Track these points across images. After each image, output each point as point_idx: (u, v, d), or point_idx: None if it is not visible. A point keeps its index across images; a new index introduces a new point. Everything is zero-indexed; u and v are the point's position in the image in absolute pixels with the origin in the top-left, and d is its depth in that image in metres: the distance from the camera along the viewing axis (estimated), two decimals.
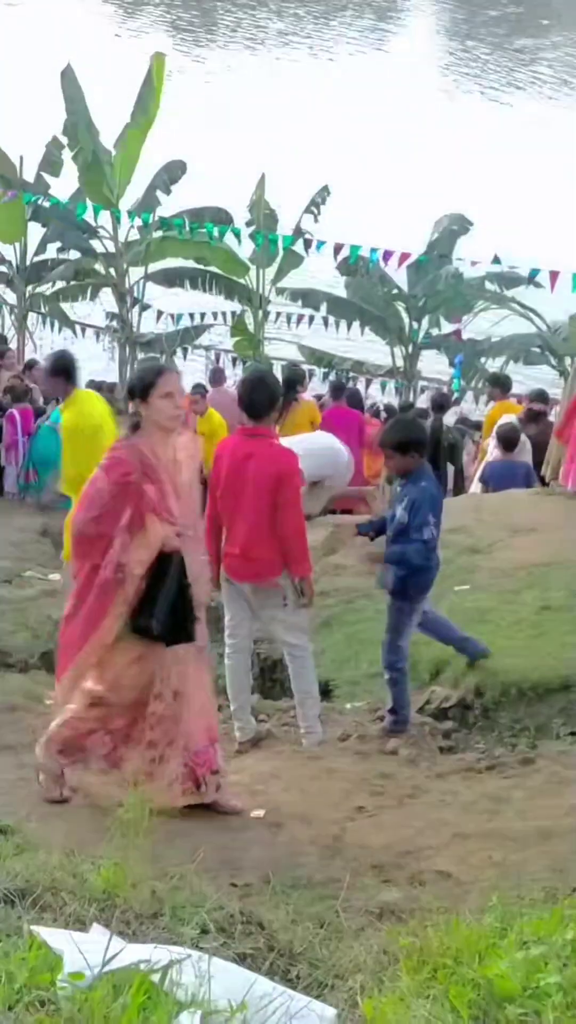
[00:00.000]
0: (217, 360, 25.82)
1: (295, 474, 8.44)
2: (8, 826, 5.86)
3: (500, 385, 16.51)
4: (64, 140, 25.75)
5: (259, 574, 8.32)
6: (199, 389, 17.62)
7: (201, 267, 25.40)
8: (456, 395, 22.26)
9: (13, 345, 24.58)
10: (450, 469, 15.46)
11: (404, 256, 23.03)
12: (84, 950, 3.32)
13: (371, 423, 17.30)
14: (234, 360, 25.87)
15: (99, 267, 26.70)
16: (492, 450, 14.24)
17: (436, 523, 8.33)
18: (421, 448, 8.61)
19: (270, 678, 10.05)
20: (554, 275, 21.22)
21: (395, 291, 25.24)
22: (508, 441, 13.89)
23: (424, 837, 6.56)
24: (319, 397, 18.91)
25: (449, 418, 17.78)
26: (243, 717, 8.57)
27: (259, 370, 9.84)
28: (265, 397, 8.41)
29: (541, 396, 15.92)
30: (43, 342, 27.38)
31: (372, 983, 3.90)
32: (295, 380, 16.20)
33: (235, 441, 8.60)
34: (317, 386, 23.38)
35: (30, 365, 19.98)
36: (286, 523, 8.24)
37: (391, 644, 8.51)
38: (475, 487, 14.39)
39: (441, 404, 16.21)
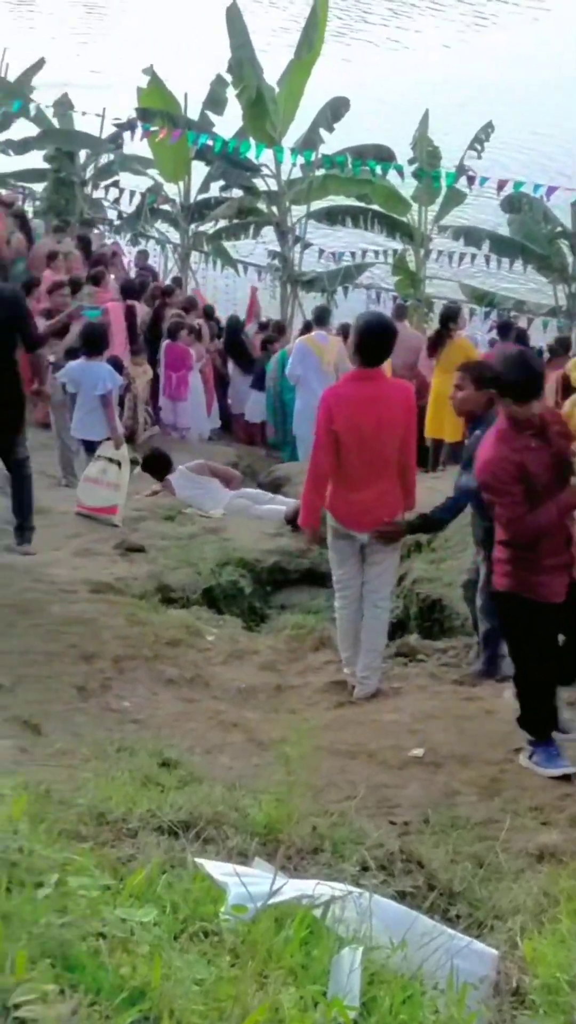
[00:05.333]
0: (378, 299, 25.67)
1: (415, 402, 8.43)
2: (172, 759, 5.96)
3: None
4: (228, 78, 25.71)
5: (389, 516, 8.25)
6: None
7: (363, 205, 25.19)
8: None
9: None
10: None
11: (569, 192, 22.67)
12: (247, 883, 3.36)
13: None
14: (394, 298, 25.66)
15: (261, 205, 26.65)
16: None
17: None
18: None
19: (429, 617, 10.03)
20: None
21: (559, 229, 24.77)
22: None
23: None
24: (492, 342, 18.68)
25: None
26: (355, 663, 8.54)
27: (375, 314, 9.74)
28: (383, 342, 8.32)
29: None
30: (205, 280, 27.50)
31: (532, 925, 3.90)
32: (450, 316, 16.06)
33: (349, 388, 8.41)
34: (478, 325, 23.11)
35: (191, 305, 20.11)
36: (412, 451, 8.25)
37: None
38: None
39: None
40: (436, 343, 15.63)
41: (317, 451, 8.37)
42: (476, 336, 19.22)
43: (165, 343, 17.94)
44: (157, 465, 13.77)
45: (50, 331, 14.53)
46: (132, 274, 23.38)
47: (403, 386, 8.49)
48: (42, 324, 14.80)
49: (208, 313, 21.16)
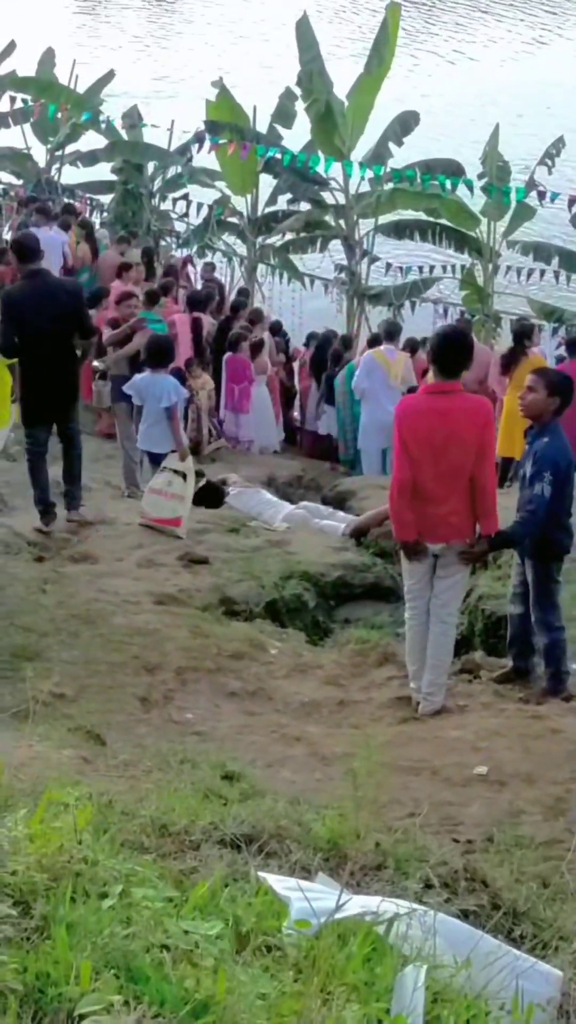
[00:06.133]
0: (445, 314, 25.59)
1: (494, 421, 8.42)
2: (234, 772, 5.96)
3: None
4: (297, 91, 25.74)
5: (460, 532, 8.21)
6: None
7: (431, 219, 25.12)
8: None
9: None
10: None
11: None
12: (310, 898, 3.35)
13: None
14: (461, 313, 25.59)
15: (329, 219, 26.62)
16: None
17: (554, 482, 8.21)
18: (566, 398, 8.48)
19: (494, 635, 9.97)
20: None
21: None
22: None
23: None
24: (559, 359, 18.60)
25: None
26: (420, 678, 8.49)
27: (455, 327, 9.83)
28: (461, 354, 8.31)
29: None
30: (271, 294, 27.52)
31: None
32: (525, 333, 15.91)
33: (422, 400, 8.46)
34: (546, 341, 22.98)
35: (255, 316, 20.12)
36: (487, 471, 8.19)
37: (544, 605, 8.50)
38: None
39: None
40: (510, 360, 15.42)
41: (395, 464, 8.39)
42: (544, 352, 19.09)
43: (227, 356, 17.99)
44: (210, 497, 13.79)
45: (113, 341, 14.63)
46: (198, 286, 23.46)
47: (481, 402, 8.44)
48: (107, 334, 14.91)
49: (275, 329, 21.15)
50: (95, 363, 15.80)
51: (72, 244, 21.43)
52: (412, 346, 18.46)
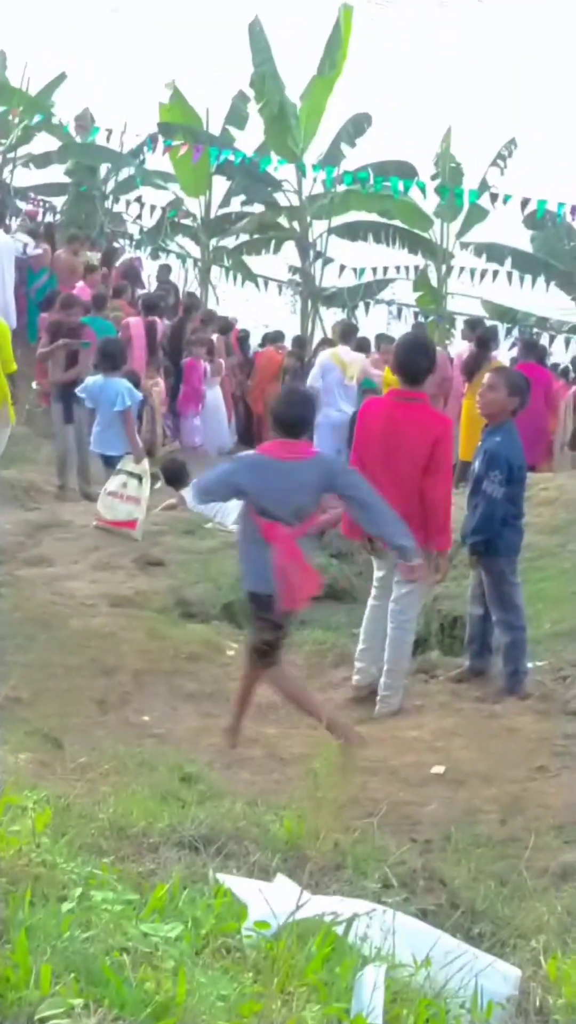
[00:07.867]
0: (399, 315, 25.65)
1: (451, 439, 8.35)
2: (192, 774, 5.95)
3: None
4: (250, 93, 25.77)
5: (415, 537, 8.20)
6: (387, 340, 17.67)
7: (385, 221, 25.22)
8: None
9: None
10: None
11: None
12: (269, 899, 3.35)
13: (556, 382, 17.02)
14: (415, 315, 25.68)
15: (283, 221, 26.68)
16: None
17: (506, 481, 8.23)
18: (525, 399, 8.51)
19: (450, 635, 9.99)
20: None
21: None
22: None
23: None
24: (513, 360, 18.68)
25: None
26: (367, 660, 8.49)
27: (416, 334, 9.85)
28: (424, 361, 8.31)
29: None
30: (226, 295, 27.52)
31: (556, 944, 3.87)
32: (488, 338, 15.81)
33: (386, 405, 8.45)
34: (500, 342, 23.01)
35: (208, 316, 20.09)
36: (437, 487, 8.06)
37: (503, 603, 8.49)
38: None
39: None
40: (474, 366, 15.05)
41: (352, 466, 8.36)
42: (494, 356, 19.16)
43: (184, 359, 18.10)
44: (173, 475, 13.82)
45: (45, 356, 14.69)
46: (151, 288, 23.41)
47: (439, 418, 8.46)
48: (44, 341, 14.98)
49: (224, 328, 21.09)
50: (33, 384, 15.92)
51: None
52: (363, 347, 18.47)
